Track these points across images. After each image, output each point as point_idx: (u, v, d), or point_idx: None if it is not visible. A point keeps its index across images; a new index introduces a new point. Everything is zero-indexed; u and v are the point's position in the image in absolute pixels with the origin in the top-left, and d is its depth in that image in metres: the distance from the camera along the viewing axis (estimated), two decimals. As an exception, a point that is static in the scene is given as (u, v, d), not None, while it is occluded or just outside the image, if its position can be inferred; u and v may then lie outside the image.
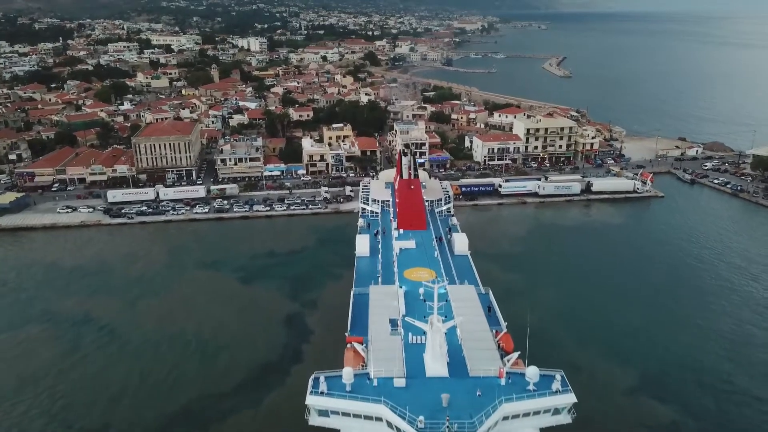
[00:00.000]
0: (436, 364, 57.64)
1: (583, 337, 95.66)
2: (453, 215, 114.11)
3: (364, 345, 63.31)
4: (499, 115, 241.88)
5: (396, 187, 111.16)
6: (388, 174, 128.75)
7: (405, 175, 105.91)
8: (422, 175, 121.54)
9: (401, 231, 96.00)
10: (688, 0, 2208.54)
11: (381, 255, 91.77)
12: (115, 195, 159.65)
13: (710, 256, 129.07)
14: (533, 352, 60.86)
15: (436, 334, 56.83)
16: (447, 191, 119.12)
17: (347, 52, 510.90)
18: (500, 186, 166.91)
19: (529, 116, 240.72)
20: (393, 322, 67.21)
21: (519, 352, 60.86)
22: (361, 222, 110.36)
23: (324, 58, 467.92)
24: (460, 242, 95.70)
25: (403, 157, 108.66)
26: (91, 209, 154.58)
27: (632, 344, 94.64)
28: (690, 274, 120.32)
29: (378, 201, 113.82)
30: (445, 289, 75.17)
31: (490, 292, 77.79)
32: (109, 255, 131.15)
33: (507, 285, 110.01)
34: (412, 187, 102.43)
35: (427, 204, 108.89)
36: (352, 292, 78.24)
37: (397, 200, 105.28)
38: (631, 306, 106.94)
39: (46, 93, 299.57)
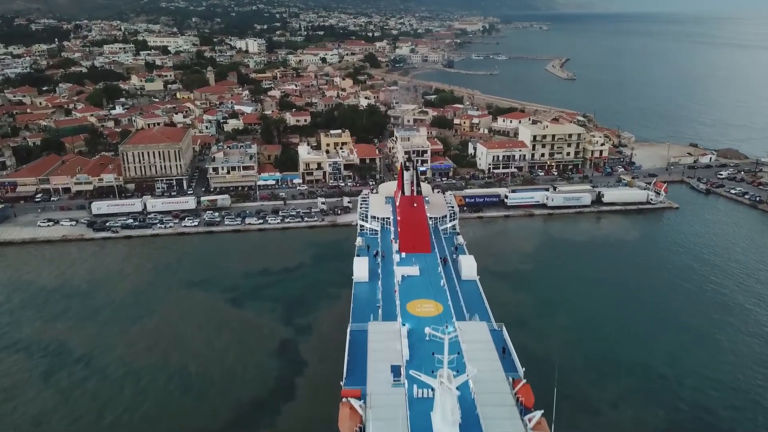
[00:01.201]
0: (446, 428, 49.15)
1: (610, 380, 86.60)
2: (459, 233, 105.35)
3: (362, 400, 54.85)
4: (503, 120, 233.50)
5: (397, 204, 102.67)
6: (389, 187, 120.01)
7: (407, 191, 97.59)
8: (425, 188, 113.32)
9: (403, 255, 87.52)
10: (685, 1, 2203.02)
11: (381, 281, 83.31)
12: (100, 207, 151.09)
13: (737, 272, 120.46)
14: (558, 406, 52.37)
15: (447, 396, 48.32)
16: (452, 206, 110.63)
17: (347, 54, 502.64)
18: (506, 197, 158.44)
19: (534, 122, 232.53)
20: (395, 371, 58.87)
21: (542, 411, 52.33)
22: (359, 241, 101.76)
23: (323, 60, 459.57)
24: (468, 266, 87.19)
25: (404, 171, 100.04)
26: (74, 222, 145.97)
27: (670, 386, 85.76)
28: (716, 296, 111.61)
29: (378, 218, 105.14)
30: (454, 326, 66.95)
31: (504, 329, 69.22)
32: (90, 273, 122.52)
33: (519, 311, 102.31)
34: (415, 205, 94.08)
35: (430, 221, 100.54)
36: (348, 329, 69.76)
37: (398, 219, 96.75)
38: (661, 335, 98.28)
39: (36, 96, 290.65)
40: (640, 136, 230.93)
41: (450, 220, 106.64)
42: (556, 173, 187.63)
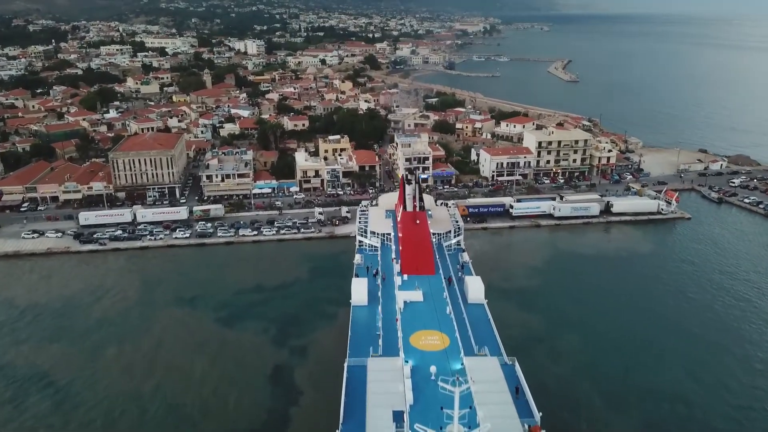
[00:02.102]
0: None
1: (631, 417, 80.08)
2: (464, 249, 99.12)
3: (360, 454, 48.72)
4: (507, 125, 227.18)
5: (398, 219, 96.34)
6: (389, 199, 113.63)
7: (409, 207, 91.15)
8: (427, 200, 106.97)
9: (405, 277, 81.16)
10: (684, 2, 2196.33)
11: (381, 306, 77.08)
12: (87, 217, 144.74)
13: (753, 292, 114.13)
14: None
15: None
16: (456, 221, 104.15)
17: (347, 55, 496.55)
18: (512, 207, 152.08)
19: (539, 126, 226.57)
20: (397, 418, 52.69)
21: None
22: (357, 258, 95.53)
23: (323, 62, 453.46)
24: (475, 289, 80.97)
25: (406, 184, 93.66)
26: (59, 234, 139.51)
27: (698, 417, 79.51)
28: (735, 316, 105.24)
29: (377, 234, 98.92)
30: (463, 363, 60.89)
31: (516, 364, 62.96)
32: (74, 290, 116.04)
33: (529, 333, 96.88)
34: (418, 221, 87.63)
35: (434, 238, 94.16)
36: (346, 364, 63.55)
37: (399, 236, 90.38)
38: (680, 356, 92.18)
39: (29, 99, 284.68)
40: (647, 142, 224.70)
41: (455, 236, 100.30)
42: (562, 181, 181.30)
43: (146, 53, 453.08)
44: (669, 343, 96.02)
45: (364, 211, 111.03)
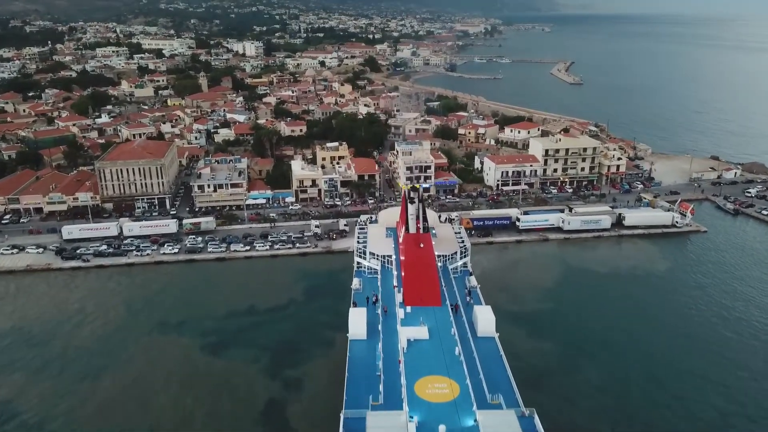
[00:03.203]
0: None
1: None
2: (471, 272, 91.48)
3: None
4: (511, 131, 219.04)
5: (400, 241, 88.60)
6: (390, 215, 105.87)
7: (412, 228, 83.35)
8: (431, 217, 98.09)
9: (408, 309, 73.49)
10: (685, 3, 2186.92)
11: (382, 342, 69.45)
12: (71, 231, 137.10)
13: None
14: None
15: None
16: (462, 240, 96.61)
17: (347, 57, 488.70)
18: (518, 219, 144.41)
19: (544, 132, 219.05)
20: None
21: None
22: (356, 283, 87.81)
23: (322, 64, 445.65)
24: (485, 320, 73.39)
25: (408, 203, 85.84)
26: (41, 249, 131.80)
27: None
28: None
29: (377, 256, 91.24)
30: (476, 420, 53.31)
31: (536, 417, 55.34)
32: (52, 313, 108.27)
33: (542, 365, 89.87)
34: (422, 245, 79.84)
35: (438, 260, 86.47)
36: (342, 416, 55.98)
37: (402, 261, 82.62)
38: (704, 387, 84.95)
39: (20, 103, 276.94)
40: (655, 148, 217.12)
41: (461, 257, 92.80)
42: (570, 190, 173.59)
43: (143, 55, 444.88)
44: (698, 372, 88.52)
45: (362, 228, 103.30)
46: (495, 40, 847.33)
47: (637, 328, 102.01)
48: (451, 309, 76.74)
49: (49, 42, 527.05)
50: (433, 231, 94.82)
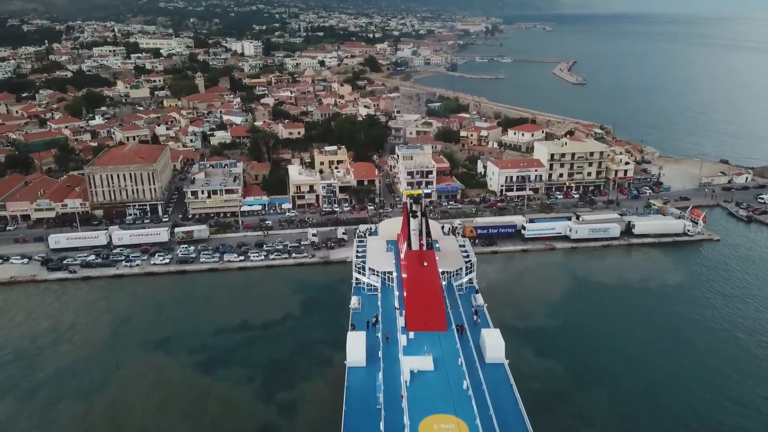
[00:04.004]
0: None
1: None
2: (477, 290, 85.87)
3: None
4: (515, 133, 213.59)
5: (402, 258, 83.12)
6: (390, 227, 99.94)
7: (414, 244, 77.93)
8: (434, 229, 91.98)
9: (411, 335, 67.99)
10: (685, 2, 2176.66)
11: (383, 372, 63.92)
12: (58, 240, 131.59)
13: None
14: None
15: None
16: (467, 254, 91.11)
17: (346, 56, 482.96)
18: (524, 228, 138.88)
19: (548, 135, 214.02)
20: None
21: None
22: (354, 302, 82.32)
23: (321, 63, 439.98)
24: (494, 346, 68.03)
25: (411, 218, 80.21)
26: (26, 260, 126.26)
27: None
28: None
29: (377, 272, 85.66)
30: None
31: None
32: (33, 329, 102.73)
33: (552, 388, 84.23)
34: (425, 263, 74.45)
35: (442, 277, 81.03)
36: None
37: (404, 281, 77.09)
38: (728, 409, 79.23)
39: (14, 104, 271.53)
40: (663, 151, 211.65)
41: (466, 273, 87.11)
42: (576, 196, 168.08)
43: (140, 55, 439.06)
44: (722, 393, 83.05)
45: (361, 241, 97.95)
46: (496, 39, 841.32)
47: (651, 346, 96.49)
48: (457, 330, 71.40)
49: (46, 41, 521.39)
50: (437, 245, 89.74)
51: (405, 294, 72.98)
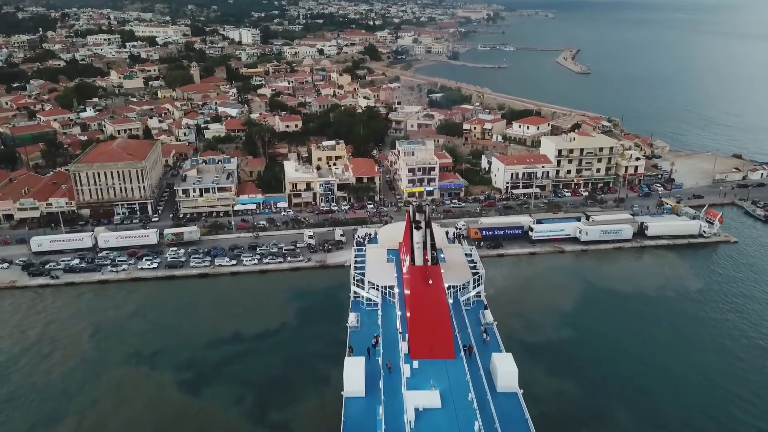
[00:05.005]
0: None
1: None
2: (486, 305, 79.01)
3: None
4: (519, 126, 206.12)
5: (404, 271, 76.30)
6: (391, 233, 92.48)
7: (418, 259, 71.09)
8: (438, 236, 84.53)
9: (415, 364, 61.30)
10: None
11: (384, 405, 57.34)
12: (41, 243, 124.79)
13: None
14: None
15: None
16: (475, 265, 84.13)
17: (346, 44, 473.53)
18: (531, 229, 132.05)
19: (554, 128, 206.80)
20: None
21: None
22: (352, 319, 75.34)
23: (320, 52, 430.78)
24: (506, 373, 61.35)
25: (414, 229, 73.09)
26: (5, 265, 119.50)
27: None
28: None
29: (377, 286, 78.82)
30: None
31: None
32: (8, 342, 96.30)
33: (567, 411, 77.01)
34: (431, 281, 67.66)
35: (448, 292, 74.02)
36: None
37: (406, 296, 70.40)
38: None
39: (3, 95, 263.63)
40: (672, 145, 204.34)
41: (474, 286, 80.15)
42: (585, 194, 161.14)
43: (135, 43, 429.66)
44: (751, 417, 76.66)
45: (360, 249, 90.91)
46: (498, 26, 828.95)
47: (672, 362, 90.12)
48: (465, 352, 64.86)
49: (40, 29, 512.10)
50: (441, 255, 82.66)
51: (408, 315, 66.26)
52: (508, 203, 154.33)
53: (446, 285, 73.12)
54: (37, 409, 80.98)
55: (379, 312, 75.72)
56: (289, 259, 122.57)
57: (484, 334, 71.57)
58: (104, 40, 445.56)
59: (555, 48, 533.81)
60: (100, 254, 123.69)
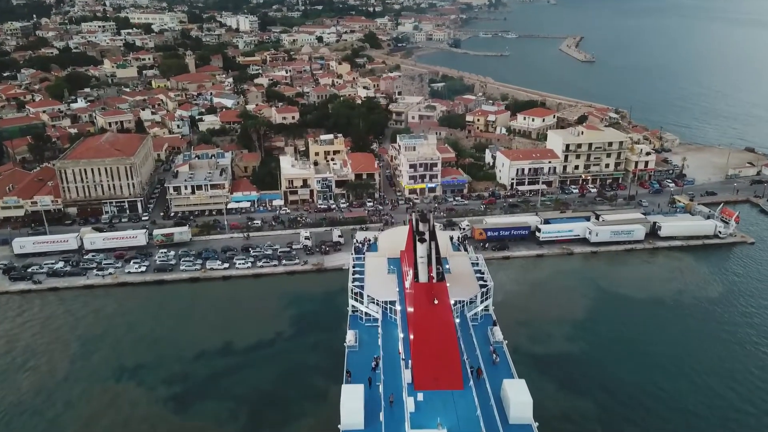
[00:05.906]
0: None
1: None
2: (495, 321, 72.88)
3: None
4: (524, 118, 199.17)
5: (406, 286, 70.13)
6: (392, 240, 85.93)
7: (422, 276, 64.94)
8: (443, 243, 78.22)
9: (420, 395, 55.31)
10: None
11: (384, 439, 51.68)
12: (23, 244, 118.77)
13: None
14: None
15: None
16: (483, 275, 77.80)
17: (345, 31, 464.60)
18: (538, 230, 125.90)
19: (560, 120, 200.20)
20: None
21: None
22: (350, 338, 69.17)
23: (319, 39, 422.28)
24: (519, 404, 55.37)
25: (418, 243, 66.77)
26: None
27: None
28: None
29: (377, 301, 72.67)
30: None
31: None
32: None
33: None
34: (436, 301, 61.56)
35: (454, 307, 67.85)
36: None
37: (409, 315, 64.32)
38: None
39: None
40: (682, 138, 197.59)
41: (482, 300, 73.89)
42: (594, 190, 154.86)
43: (129, 30, 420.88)
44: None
45: (359, 257, 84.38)
46: (499, 13, 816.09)
47: (694, 377, 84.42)
48: (473, 375, 58.97)
49: (34, 16, 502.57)
50: (447, 266, 76.43)
51: (411, 338, 60.23)
52: (513, 201, 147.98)
53: (452, 300, 67.14)
54: (12, 428, 75.25)
55: (380, 330, 69.50)
56: (284, 261, 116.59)
57: (494, 355, 65.63)
58: (99, 27, 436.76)
59: (558, 35, 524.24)
60: (86, 257, 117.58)
